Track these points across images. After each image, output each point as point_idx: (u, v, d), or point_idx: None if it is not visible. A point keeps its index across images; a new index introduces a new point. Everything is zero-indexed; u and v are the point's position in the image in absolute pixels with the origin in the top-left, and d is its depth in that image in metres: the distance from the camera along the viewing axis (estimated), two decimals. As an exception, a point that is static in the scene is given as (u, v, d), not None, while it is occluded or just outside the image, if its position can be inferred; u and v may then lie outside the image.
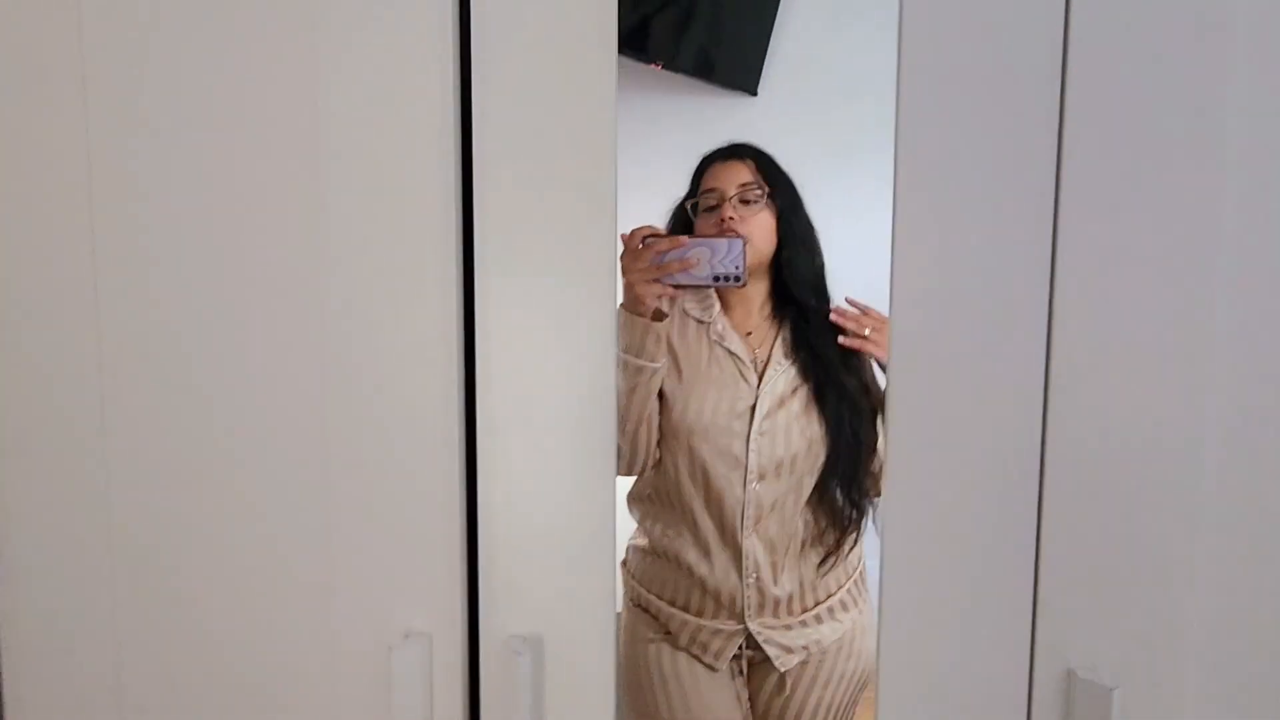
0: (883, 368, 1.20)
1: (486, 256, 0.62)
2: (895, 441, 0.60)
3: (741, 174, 1.22)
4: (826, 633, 1.27)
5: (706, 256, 1.07)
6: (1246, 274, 0.56)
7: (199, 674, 0.68)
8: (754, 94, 1.62)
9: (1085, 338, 0.58)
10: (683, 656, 1.26)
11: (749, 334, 1.26)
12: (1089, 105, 0.56)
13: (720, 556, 1.23)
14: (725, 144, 1.27)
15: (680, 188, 1.35)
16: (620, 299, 1.15)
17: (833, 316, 1.22)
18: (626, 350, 1.13)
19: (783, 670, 1.25)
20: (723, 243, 1.07)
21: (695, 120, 1.68)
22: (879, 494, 1.28)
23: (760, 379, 1.22)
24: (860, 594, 1.32)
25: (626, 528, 1.38)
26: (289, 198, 0.63)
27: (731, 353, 1.23)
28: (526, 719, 0.61)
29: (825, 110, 1.59)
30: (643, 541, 1.32)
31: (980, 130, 0.58)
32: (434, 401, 0.63)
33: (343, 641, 0.65)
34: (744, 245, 1.06)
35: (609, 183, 0.61)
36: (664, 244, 1.07)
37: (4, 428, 0.69)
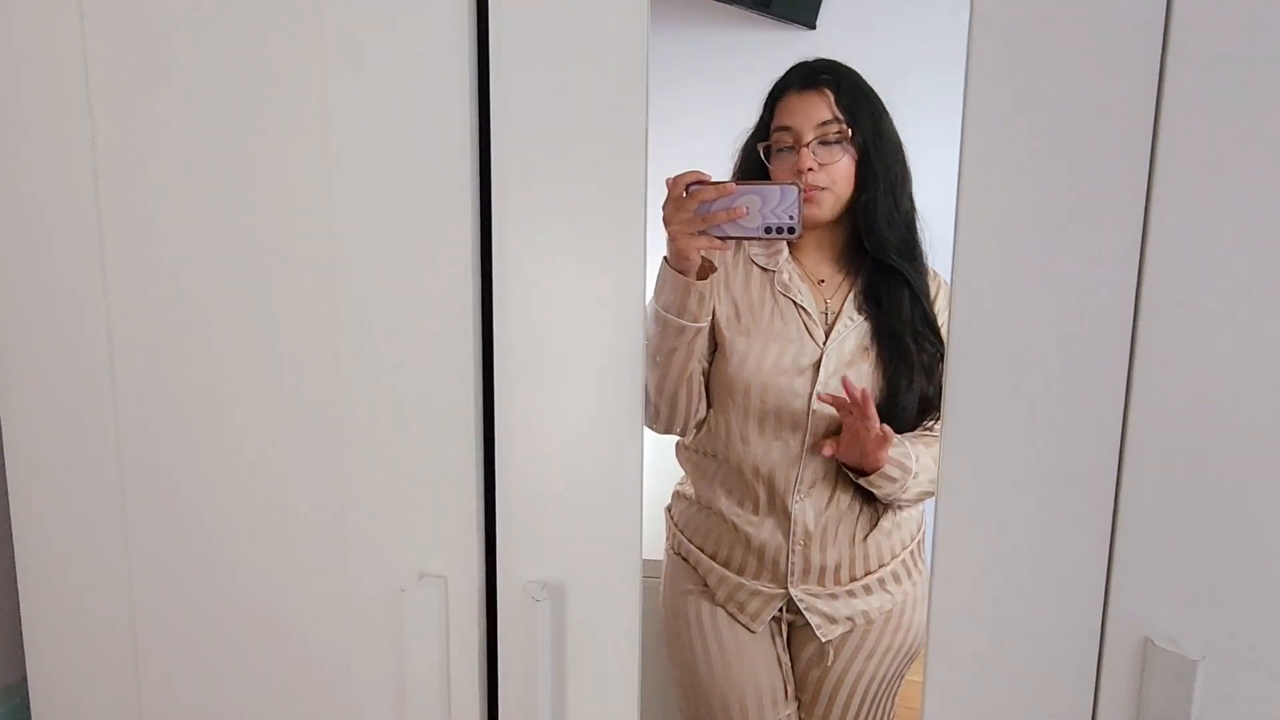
0: (851, 470, 1.10)
1: (505, 193, 0.57)
2: (956, 384, 0.54)
3: (819, 110, 1.10)
4: (875, 604, 1.20)
5: (757, 205, 0.95)
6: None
7: (213, 613, 0.67)
8: (813, 27, 1.52)
9: (1178, 291, 0.50)
10: (721, 613, 1.22)
11: (821, 282, 1.17)
12: (1197, 43, 0.48)
13: (768, 518, 1.16)
14: (799, 67, 1.14)
15: (738, 127, 1.26)
16: (651, 243, 1.07)
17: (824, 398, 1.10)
18: (667, 309, 1.04)
19: (824, 640, 1.19)
20: (775, 189, 0.95)
21: (750, 56, 1.57)
22: None
23: (828, 335, 1.14)
24: (915, 565, 1.24)
25: (674, 474, 1.32)
26: (303, 138, 0.59)
27: (797, 305, 1.15)
28: (546, 667, 0.58)
29: (886, 45, 1.48)
30: (688, 490, 1.27)
31: (1065, 73, 0.50)
32: (451, 340, 0.59)
33: (357, 582, 0.62)
34: (799, 193, 0.94)
35: (638, 116, 0.55)
36: (710, 192, 0.96)
37: (12, 359, 0.68)
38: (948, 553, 0.55)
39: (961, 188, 0.52)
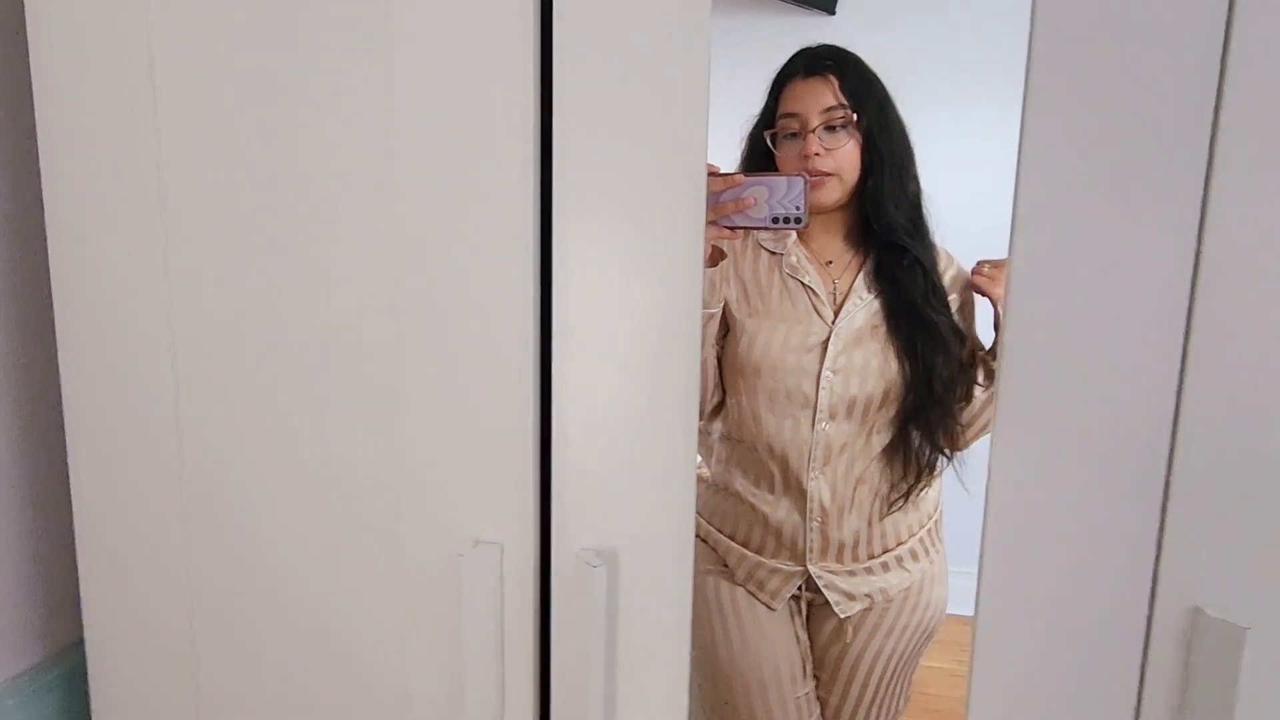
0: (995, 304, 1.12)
1: (565, 173, 0.57)
2: (1012, 358, 0.55)
3: (824, 96, 1.12)
4: (893, 581, 1.21)
5: (764, 196, 0.98)
6: None
7: (268, 581, 0.67)
8: (832, 13, 1.53)
9: (1234, 266, 0.51)
10: (740, 591, 1.23)
11: (829, 263, 1.19)
12: (1261, 43, 0.48)
13: (784, 497, 1.18)
14: (803, 53, 1.16)
15: (745, 115, 1.26)
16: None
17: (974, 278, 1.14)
18: None
19: (843, 617, 1.21)
20: (781, 181, 0.97)
21: (769, 43, 1.58)
22: (965, 445, 1.21)
23: (837, 313, 1.15)
24: (933, 543, 1.26)
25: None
26: (363, 126, 0.60)
27: (805, 285, 1.16)
28: (600, 632, 0.58)
29: (907, 31, 1.49)
30: (704, 472, 1.28)
31: (1125, 66, 0.50)
32: (509, 310, 0.59)
33: (413, 549, 0.63)
34: (805, 184, 0.96)
35: (699, 97, 0.55)
36: (719, 183, 0.98)
37: (71, 329, 0.68)
38: (1000, 521, 0.56)
39: (1020, 180, 0.53)
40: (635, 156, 0.56)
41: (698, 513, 1.26)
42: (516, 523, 0.61)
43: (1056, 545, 0.55)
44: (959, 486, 1.21)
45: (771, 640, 1.22)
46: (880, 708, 1.27)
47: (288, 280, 0.63)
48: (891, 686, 1.25)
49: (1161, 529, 0.54)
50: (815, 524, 1.17)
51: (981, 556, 0.57)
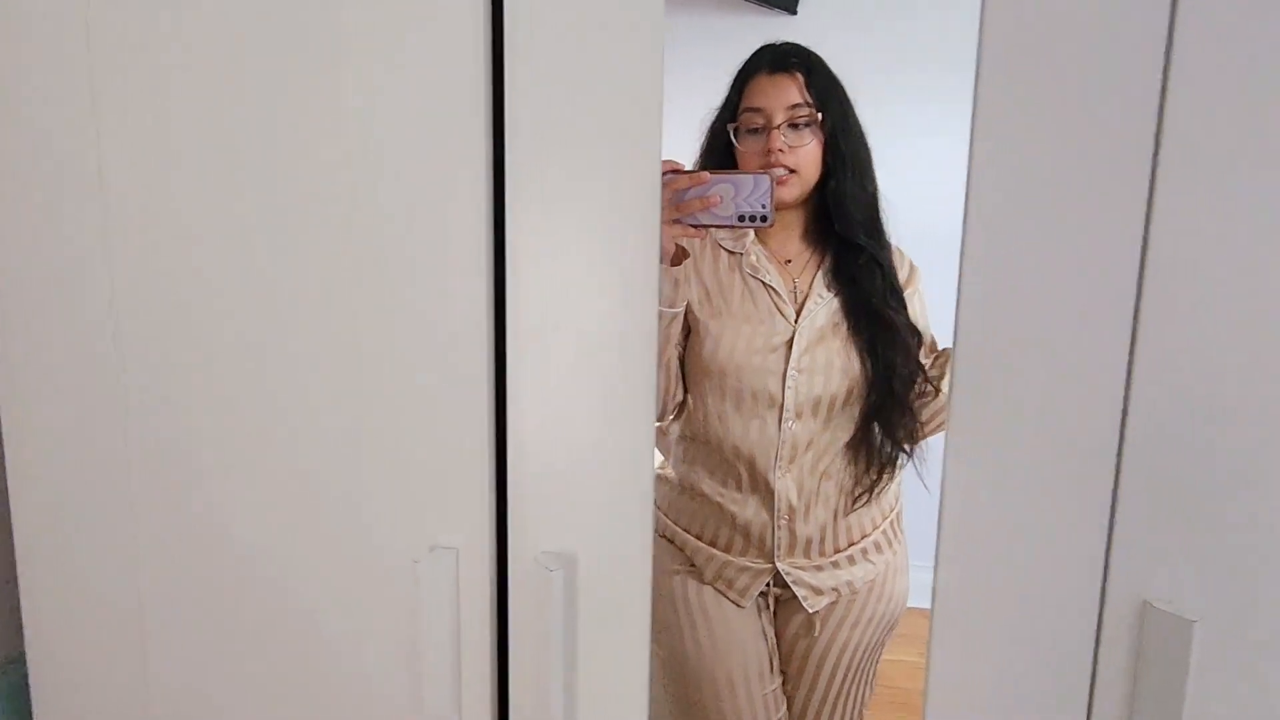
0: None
1: (518, 173, 0.57)
2: (965, 350, 0.55)
3: (789, 93, 1.11)
4: (859, 574, 1.22)
5: (730, 194, 0.96)
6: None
7: (222, 586, 0.66)
8: (794, 13, 1.53)
9: (1182, 256, 0.52)
10: (708, 590, 1.23)
11: (788, 262, 1.19)
12: (1203, 28, 0.49)
13: (751, 495, 1.18)
14: (769, 49, 1.15)
15: (703, 111, 1.25)
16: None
17: None
18: None
19: (811, 611, 1.21)
20: (748, 179, 0.96)
21: (733, 42, 1.58)
22: (924, 436, 1.22)
23: (799, 312, 1.16)
24: (895, 535, 1.27)
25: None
26: (324, 108, 0.58)
27: (767, 285, 1.16)
28: (559, 636, 0.58)
29: (869, 31, 1.50)
30: (669, 473, 1.28)
31: (1073, 59, 0.51)
32: (463, 314, 0.58)
33: (369, 554, 0.62)
34: (771, 183, 0.95)
35: (653, 97, 0.54)
36: (684, 181, 0.96)
37: (15, 313, 0.66)
38: (955, 517, 0.57)
39: (971, 180, 0.53)
40: (590, 158, 0.56)
41: (664, 513, 1.26)
42: (473, 527, 0.60)
43: (1010, 542, 0.56)
44: (919, 483, 1.22)
45: (740, 638, 1.22)
46: (847, 700, 1.28)
47: (245, 283, 0.61)
48: (858, 678, 1.26)
49: (1111, 525, 0.55)
50: (783, 521, 1.17)
51: (937, 552, 0.58)
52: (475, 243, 0.57)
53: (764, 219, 0.97)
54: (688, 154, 1.22)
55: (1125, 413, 0.54)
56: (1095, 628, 0.56)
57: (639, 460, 0.59)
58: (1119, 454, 0.54)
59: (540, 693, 0.59)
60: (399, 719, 0.64)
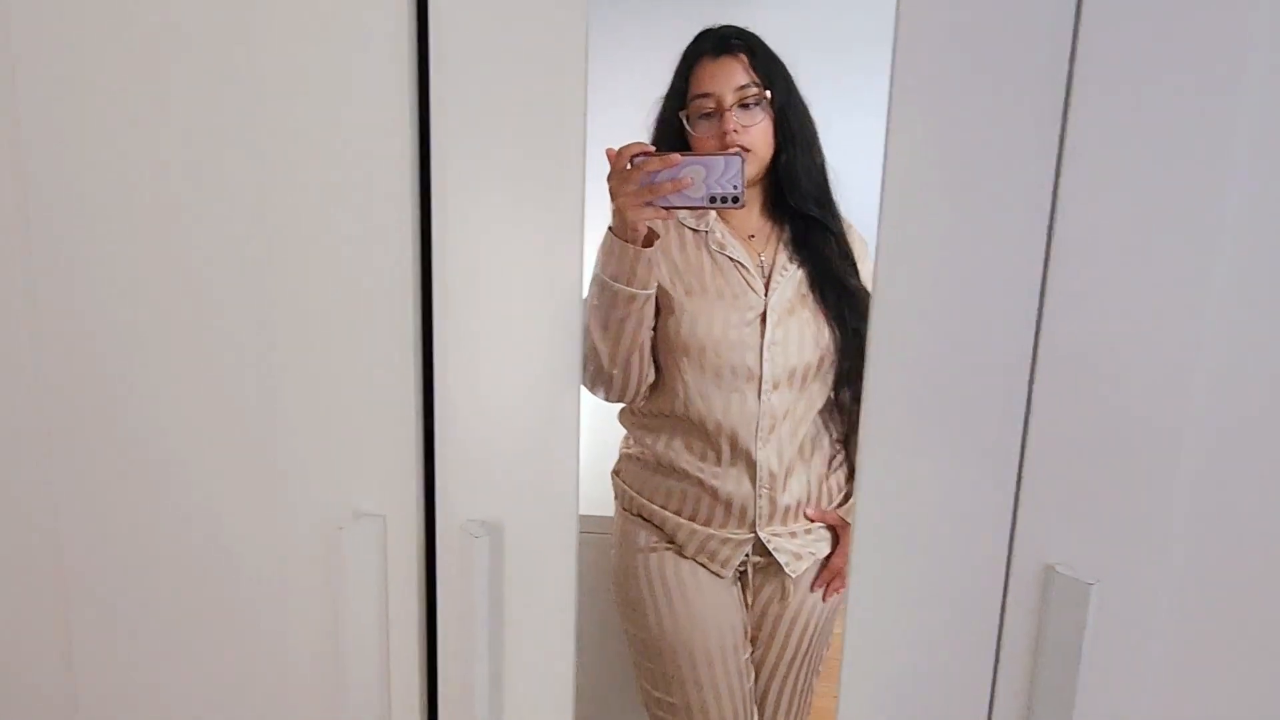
0: None
1: (444, 151, 0.57)
2: (878, 326, 0.57)
3: (736, 74, 1.12)
4: (831, 539, 1.26)
5: (701, 176, 0.96)
6: (1252, 187, 0.52)
7: (143, 555, 0.65)
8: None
9: (1085, 234, 0.54)
10: (686, 565, 1.24)
11: (751, 237, 1.20)
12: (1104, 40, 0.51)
13: (732, 468, 1.19)
14: (709, 33, 1.17)
15: (647, 94, 1.25)
16: (590, 212, 1.07)
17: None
18: (615, 278, 1.06)
19: (794, 576, 1.24)
20: (719, 160, 0.96)
21: (680, 16, 1.58)
22: None
23: (767, 285, 1.17)
24: None
25: (612, 435, 1.33)
26: (230, 91, 0.58)
27: (735, 260, 1.17)
28: (484, 604, 0.59)
29: (804, 7, 1.50)
30: (638, 451, 1.28)
31: (987, 34, 0.52)
32: (389, 279, 0.58)
33: (293, 521, 0.62)
34: (742, 163, 0.96)
35: (577, 80, 0.55)
36: (655, 163, 0.97)
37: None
38: (870, 486, 0.59)
39: (887, 171, 0.55)
40: (516, 127, 0.56)
41: (636, 492, 1.26)
42: (400, 495, 0.60)
43: (921, 510, 0.58)
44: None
45: (716, 610, 1.24)
46: (804, 667, 1.31)
47: (165, 246, 0.60)
48: (815, 644, 1.30)
49: (1017, 495, 0.57)
50: (765, 490, 1.19)
51: (855, 521, 0.60)
52: (401, 209, 0.57)
53: (735, 200, 0.97)
54: (633, 133, 1.22)
55: (1030, 391, 0.56)
56: (1002, 592, 0.59)
57: (565, 429, 0.60)
58: (1025, 429, 0.56)
59: (467, 663, 0.60)
60: (324, 687, 0.64)
